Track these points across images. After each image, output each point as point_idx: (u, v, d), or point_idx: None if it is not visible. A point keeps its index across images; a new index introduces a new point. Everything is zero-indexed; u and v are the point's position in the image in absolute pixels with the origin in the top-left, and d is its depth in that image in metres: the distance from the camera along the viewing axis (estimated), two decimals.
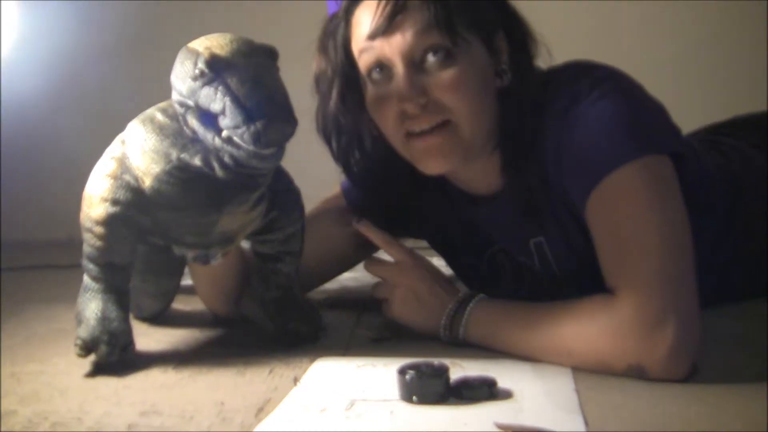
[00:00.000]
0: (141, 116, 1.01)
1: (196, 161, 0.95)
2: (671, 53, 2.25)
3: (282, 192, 1.09)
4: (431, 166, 1.05)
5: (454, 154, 1.03)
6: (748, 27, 2.22)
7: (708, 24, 2.26)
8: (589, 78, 1.03)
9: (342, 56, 1.07)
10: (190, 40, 0.95)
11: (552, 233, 1.10)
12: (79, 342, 1.00)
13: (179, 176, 0.96)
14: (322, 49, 1.10)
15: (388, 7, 1.00)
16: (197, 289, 1.20)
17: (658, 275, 0.92)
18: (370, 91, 1.05)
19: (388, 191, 1.18)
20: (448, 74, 1.00)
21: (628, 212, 0.95)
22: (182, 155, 0.95)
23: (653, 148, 0.98)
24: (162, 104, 1.00)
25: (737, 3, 2.24)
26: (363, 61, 1.04)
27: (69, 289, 1.52)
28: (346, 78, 1.07)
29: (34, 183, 2.46)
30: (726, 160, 1.24)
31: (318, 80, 1.11)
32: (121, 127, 1.03)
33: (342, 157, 1.15)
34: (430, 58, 1.00)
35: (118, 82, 2.40)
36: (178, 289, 1.28)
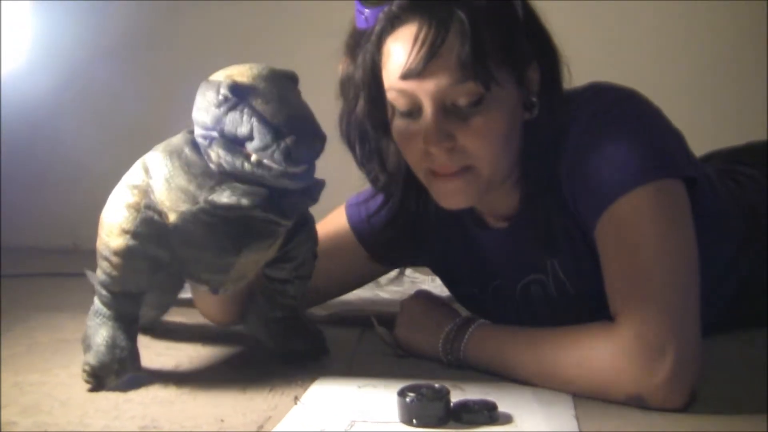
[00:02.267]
0: (167, 147, 1.00)
1: (224, 199, 0.94)
2: (686, 74, 2.24)
3: (298, 225, 1.06)
4: (451, 204, 1.05)
5: (474, 194, 1.03)
6: (764, 48, 2.21)
7: (723, 45, 2.25)
8: (605, 100, 1.02)
9: (369, 77, 1.03)
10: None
11: (564, 255, 1.08)
12: (87, 368, 1.00)
13: (204, 219, 0.96)
14: (350, 54, 1.06)
15: (424, 50, 0.96)
16: (197, 304, 1.20)
17: (659, 303, 0.91)
18: (397, 120, 1.03)
19: (406, 202, 1.15)
20: (477, 122, 0.98)
21: (636, 237, 0.95)
22: (210, 198, 0.95)
23: (666, 171, 0.97)
24: (189, 136, 1.00)
25: (755, 23, 2.22)
26: (391, 95, 1.01)
27: (73, 297, 1.53)
28: (372, 95, 1.04)
29: (37, 188, 2.44)
30: (741, 190, 1.22)
31: (343, 84, 1.08)
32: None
33: (366, 164, 1.13)
34: (461, 102, 0.98)
35: (122, 86, 2.36)
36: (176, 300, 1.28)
